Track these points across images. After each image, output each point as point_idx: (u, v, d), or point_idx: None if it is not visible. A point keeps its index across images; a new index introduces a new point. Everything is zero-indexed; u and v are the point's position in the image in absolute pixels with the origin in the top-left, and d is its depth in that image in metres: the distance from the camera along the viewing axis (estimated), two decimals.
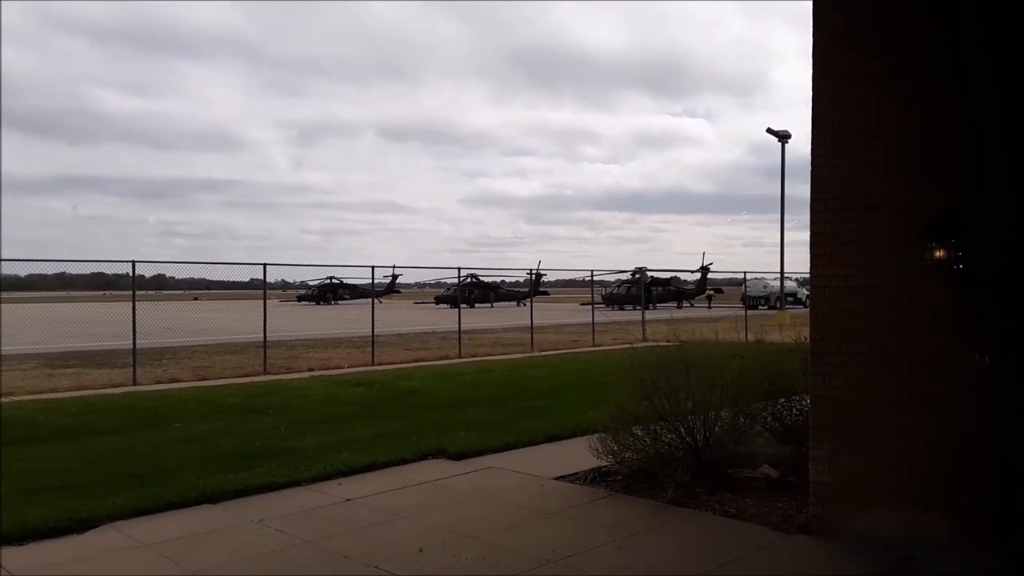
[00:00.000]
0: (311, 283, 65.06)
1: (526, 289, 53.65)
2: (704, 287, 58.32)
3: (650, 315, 27.34)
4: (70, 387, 13.96)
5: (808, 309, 5.73)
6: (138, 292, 15.98)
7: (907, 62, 5.03)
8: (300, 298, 63.69)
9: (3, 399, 11.99)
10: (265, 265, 18.18)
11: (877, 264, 5.13)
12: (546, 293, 61.37)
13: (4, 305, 20.46)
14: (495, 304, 57.47)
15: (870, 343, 5.14)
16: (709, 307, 48.39)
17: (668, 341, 8.60)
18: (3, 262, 14.43)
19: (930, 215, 4.83)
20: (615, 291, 51.33)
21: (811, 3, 5.46)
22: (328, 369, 16.88)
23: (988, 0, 4.76)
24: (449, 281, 49.34)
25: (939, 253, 4.80)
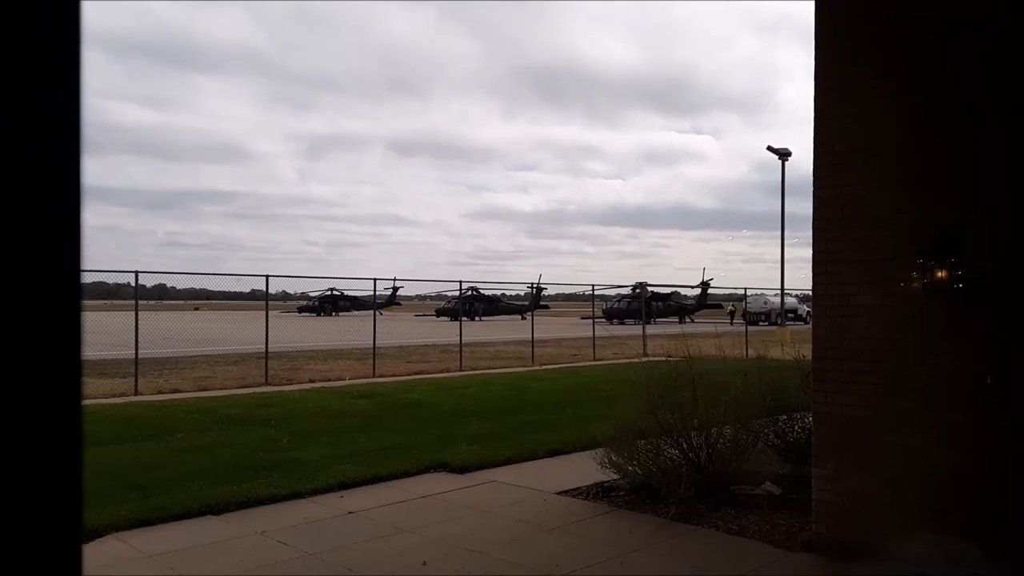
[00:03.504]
0: (312, 294, 65.12)
1: (527, 302, 53.68)
2: (705, 302, 58.28)
3: (651, 330, 27.35)
4: None
5: (809, 326, 5.77)
6: (140, 302, 16.02)
7: (908, 81, 5.09)
8: (301, 309, 63.66)
9: None
10: (267, 276, 18.26)
11: (879, 282, 5.17)
12: (546, 307, 61.38)
13: None
14: (496, 317, 57.47)
15: (873, 361, 5.17)
16: (731, 323, 46.94)
17: (669, 356, 8.63)
18: None
19: (931, 233, 4.88)
20: (615, 305, 51.33)
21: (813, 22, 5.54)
22: (329, 381, 16.89)
23: (990, 17, 4.82)
24: (450, 294, 49.40)
25: (940, 272, 4.84)
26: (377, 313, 23.90)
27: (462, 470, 7.86)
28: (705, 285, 55.94)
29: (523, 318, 53.40)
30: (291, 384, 16.20)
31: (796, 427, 7.32)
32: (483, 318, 55.34)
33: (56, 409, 0.63)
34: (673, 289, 55.97)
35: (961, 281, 4.77)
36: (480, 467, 7.99)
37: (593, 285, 29.46)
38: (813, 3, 5.52)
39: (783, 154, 29.18)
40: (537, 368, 20.37)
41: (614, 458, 6.80)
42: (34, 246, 0.62)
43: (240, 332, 23.35)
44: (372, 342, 19.62)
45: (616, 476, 6.91)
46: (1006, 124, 4.72)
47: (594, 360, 22.85)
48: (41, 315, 0.62)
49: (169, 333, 24.17)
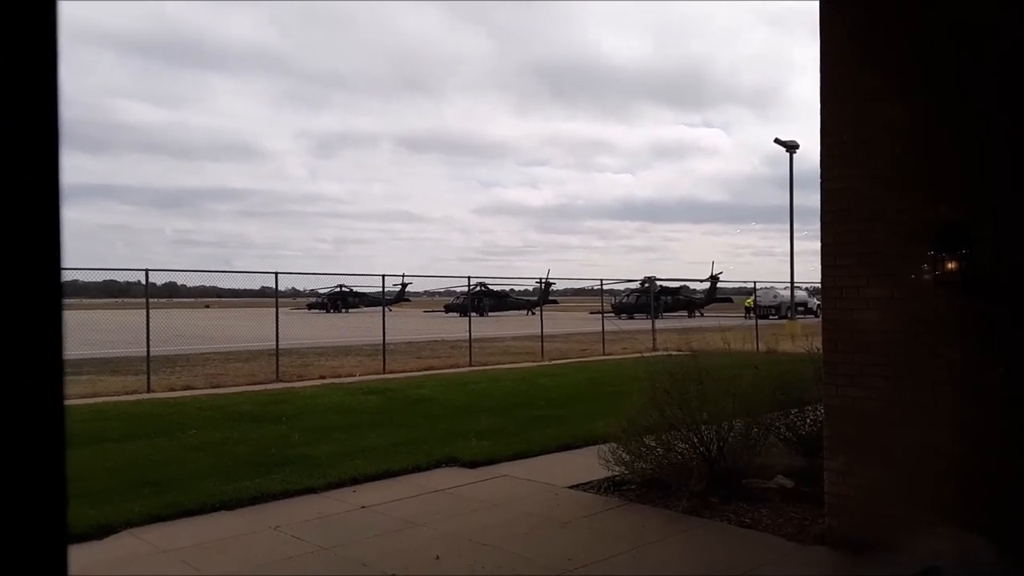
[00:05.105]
0: (321, 291, 65.20)
1: (535, 298, 53.61)
2: (714, 297, 58.02)
3: (660, 324, 27.32)
4: (84, 394, 14.06)
5: (819, 319, 5.75)
6: (150, 300, 16.12)
7: (914, 75, 5.06)
8: (310, 306, 63.79)
9: None
10: (277, 274, 18.33)
11: (888, 275, 5.15)
12: (555, 302, 61.27)
13: None
14: (505, 313, 57.45)
15: (884, 354, 5.15)
16: (746, 317, 44.84)
17: (679, 350, 8.62)
18: None
19: (939, 227, 4.85)
20: (624, 300, 51.24)
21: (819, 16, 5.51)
22: (340, 377, 16.94)
23: (994, 17, 4.79)
24: (459, 290, 49.42)
25: (949, 265, 4.81)
26: (386, 309, 23.94)
27: (473, 465, 7.89)
28: (714, 279, 55.67)
29: (532, 313, 53.34)
30: (302, 381, 16.27)
31: (808, 420, 7.31)
32: (492, 314, 55.32)
33: (37, 409, 0.62)
34: (682, 283, 55.80)
35: (971, 273, 4.75)
36: (491, 462, 8.01)
37: (602, 280, 29.50)
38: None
39: (791, 147, 29.05)
40: (546, 363, 20.38)
41: (621, 454, 6.80)
42: (9, 244, 0.61)
43: (250, 329, 23.46)
44: (382, 338, 19.66)
45: (626, 471, 6.90)
46: (1015, 118, 4.68)
47: (603, 355, 22.83)
48: (18, 314, 0.61)
49: (180, 330, 24.29)
